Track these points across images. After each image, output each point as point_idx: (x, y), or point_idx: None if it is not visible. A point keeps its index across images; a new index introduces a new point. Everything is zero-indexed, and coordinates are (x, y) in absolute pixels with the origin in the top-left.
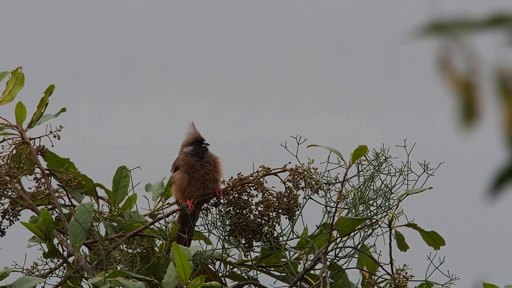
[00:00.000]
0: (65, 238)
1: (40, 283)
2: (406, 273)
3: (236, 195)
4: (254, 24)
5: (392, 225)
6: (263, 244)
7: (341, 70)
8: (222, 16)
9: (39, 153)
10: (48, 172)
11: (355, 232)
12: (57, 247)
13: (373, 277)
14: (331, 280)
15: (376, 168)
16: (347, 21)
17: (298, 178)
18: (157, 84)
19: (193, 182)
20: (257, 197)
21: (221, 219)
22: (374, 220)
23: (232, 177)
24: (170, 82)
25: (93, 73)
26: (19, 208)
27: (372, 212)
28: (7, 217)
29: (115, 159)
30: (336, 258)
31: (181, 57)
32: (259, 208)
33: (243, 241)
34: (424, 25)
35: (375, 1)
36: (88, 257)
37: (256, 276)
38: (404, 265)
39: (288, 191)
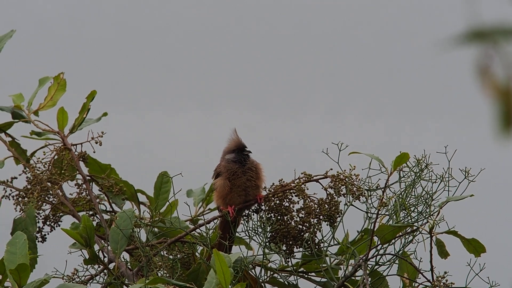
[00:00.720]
0: (106, 245)
1: None
2: (447, 280)
3: (278, 202)
4: (293, 30)
5: (433, 232)
6: (304, 250)
7: (382, 77)
8: (258, 23)
9: (81, 159)
10: (89, 178)
11: (396, 239)
12: (97, 253)
13: (413, 284)
14: (371, 286)
15: (417, 175)
16: (387, 28)
17: (340, 185)
18: (198, 91)
19: (234, 189)
20: (298, 203)
21: (262, 226)
22: (415, 227)
23: (273, 184)
24: (211, 89)
25: (136, 80)
26: (60, 214)
27: (413, 219)
28: (48, 223)
29: (157, 166)
30: (377, 265)
31: (218, 65)
32: (300, 215)
33: (284, 248)
34: (464, 32)
35: (415, 9)
36: (128, 264)
37: (296, 282)
38: (445, 272)
39: (329, 198)
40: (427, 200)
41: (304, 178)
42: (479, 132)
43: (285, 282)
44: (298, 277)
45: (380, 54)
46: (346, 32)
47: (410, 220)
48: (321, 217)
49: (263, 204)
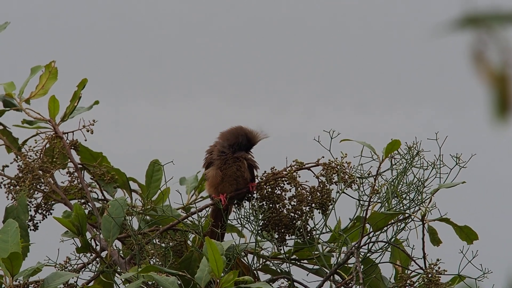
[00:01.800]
0: (98, 233)
1: (73, 278)
2: (439, 268)
3: (269, 190)
4: (282, 18)
5: (425, 219)
6: (296, 238)
7: (373, 64)
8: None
9: (72, 147)
10: (81, 166)
11: (388, 226)
12: (90, 241)
13: (406, 271)
14: (364, 274)
15: (409, 162)
16: (379, 14)
17: (331, 173)
18: (188, 80)
19: (226, 178)
20: (290, 191)
21: (254, 214)
22: (407, 214)
23: (265, 172)
24: (199, 79)
25: (126, 68)
26: (52, 202)
27: (405, 206)
28: (40, 211)
29: (148, 154)
30: (369, 252)
31: (209, 55)
32: (292, 203)
33: (276, 235)
34: (458, 18)
35: None
36: (121, 252)
37: (288, 269)
38: (437, 260)
39: (321, 186)
40: (418, 187)
41: (295, 166)
42: (470, 118)
43: (278, 269)
44: (290, 265)
45: (372, 40)
46: (336, 19)
47: (402, 208)
48: (313, 205)
49: (255, 192)
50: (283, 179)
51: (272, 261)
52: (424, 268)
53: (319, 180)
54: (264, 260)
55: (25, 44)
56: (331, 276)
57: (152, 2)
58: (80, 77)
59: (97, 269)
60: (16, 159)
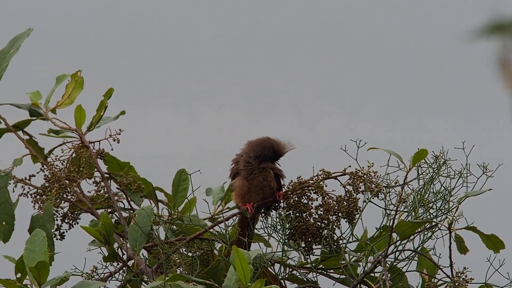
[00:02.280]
0: (124, 242)
1: (99, 287)
2: (466, 276)
3: (296, 199)
4: (304, 24)
5: (451, 228)
6: (322, 247)
7: (399, 73)
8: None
9: (99, 156)
10: (107, 175)
11: (415, 235)
12: (117, 250)
13: (432, 280)
14: (390, 283)
15: (436, 171)
16: (404, 22)
17: (358, 182)
18: (211, 90)
19: (252, 188)
20: (317, 200)
21: (281, 223)
22: (433, 223)
23: (292, 181)
24: (227, 88)
25: (153, 77)
26: (79, 211)
27: (431, 215)
28: (66, 221)
29: (175, 163)
30: (396, 261)
31: (238, 65)
32: (319, 212)
33: (303, 245)
34: (484, 25)
35: (435, 2)
36: (147, 261)
37: (315, 279)
38: (464, 268)
39: (348, 195)
40: (445, 196)
41: (322, 175)
42: (497, 127)
43: (304, 278)
44: (317, 274)
45: (398, 49)
46: (365, 26)
47: (429, 216)
48: (339, 214)
49: (282, 201)
50: (310, 188)
51: (299, 271)
52: (451, 276)
53: (346, 189)
54: (290, 270)
55: (49, 53)
56: (358, 285)
57: (182, 13)
58: (106, 86)
59: (124, 278)
60: (43, 168)
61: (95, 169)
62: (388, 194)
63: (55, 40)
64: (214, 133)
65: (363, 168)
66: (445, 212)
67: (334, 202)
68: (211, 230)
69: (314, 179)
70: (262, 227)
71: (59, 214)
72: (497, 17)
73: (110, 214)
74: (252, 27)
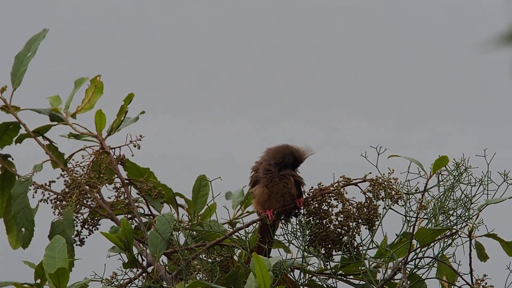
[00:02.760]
0: (144, 248)
1: None
2: (486, 283)
3: (316, 205)
4: (317, 28)
5: (472, 235)
6: (342, 253)
7: (418, 81)
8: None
9: (119, 162)
10: (128, 181)
11: (435, 242)
12: (136, 257)
13: (452, 287)
14: None
15: (456, 178)
16: (423, 30)
17: (378, 189)
18: (244, 100)
19: (273, 196)
20: (337, 207)
21: (301, 229)
22: (454, 230)
23: (312, 187)
24: (256, 99)
25: (174, 84)
26: (99, 217)
27: (452, 222)
28: (86, 226)
29: (195, 169)
30: (416, 268)
31: (257, 75)
32: (339, 218)
33: (323, 251)
34: (503, 33)
35: (454, 10)
36: (167, 267)
37: (335, 285)
38: (484, 275)
39: (368, 201)
40: (466, 204)
41: (343, 182)
42: None
43: (324, 285)
44: (336, 280)
45: (416, 57)
46: (382, 33)
47: (449, 223)
48: (360, 220)
49: (302, 208)
50: (330, 195)
51: (319, 277)
52: (471, 283)
53: (366, 196)
54: (310, 276)
55: (65, 56)
56: None
57: (200, 19)
58: (127, 91)
59: (143, 284)
60: (63, 174)
61: (116, 175)
62: (408, 201)
63: (71, 42)
64: (234, 139)
65: (383, 175)
66: (465, 220)
67: (354, 209)
68: (231, 236)
69: (334, 185)
70: (282, 234)
71: (79, 220)
72: None
73: (130, 220)
74: (267, 31)
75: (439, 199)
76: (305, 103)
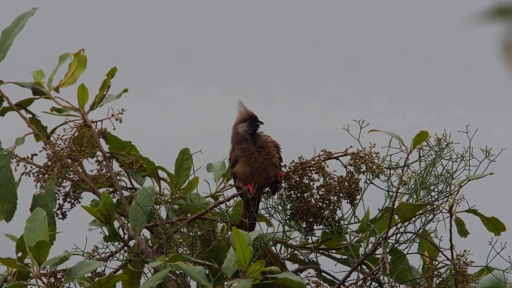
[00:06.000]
0: (126, 222)
1: (100, 266)
2: (467, 259)
3: (297, 179)
4: (313, 10)
5: (452, 211)
6: (324, 227)
7: (403, 58)
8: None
9: (101, 136)
10: (109, 155)
11: (416, 217)
12: (118, 230)
13: (433, 262)
14: (391, 264)
15: (438, 154)
16: (409, 7)
17: (360, 162)
18: (220, 69)
19: (255, 171)
20: (318, 181)
21: (282, 203)
22: (435, 206)
23: (293, 161)
24: (232, 67)
25: (153, 57)
26: (81, 191)
27: (433, 198)
28: (68, 200)
29: (177, 143)
30: (397, 243)
31: (237, 47)
32: (320, 192)
33: (304, 225)
34: (488, 10)
35: None
36: (149, 241)
37: (316, 259)
38: (465, 251)
39: (349, 175)
40: (447, 179)
41: (324, 156)
42: (501, 111)
43: (306, 259)
44: (318, 254)
45: (401, 35)
46: (370, 14)
47: (430, 199)
48: (341, 194)
49: (283, 181)
50: (311, 168)
51: (300, 251)
52: (451, 259)
53: (347, 170)
54: (292, 250)
55: (53, 32)
56: (359, 266)
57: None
58: (110, 65)
59: (124, 258)
60: (45, 147)
61: (97, 149)
62: (389, 176)
63: (57, 18)
64: (219, 116)
65: (364, 148)
66: (446, 195)
67: (336, 183)
68: (213, 210)
69: (315, 159)
70: (264, 208)
71: (61, 193)
72: (501, 1)
73: (112, 194)
74: (279, 22)
75: (420, 175)
76: (303, 80)
